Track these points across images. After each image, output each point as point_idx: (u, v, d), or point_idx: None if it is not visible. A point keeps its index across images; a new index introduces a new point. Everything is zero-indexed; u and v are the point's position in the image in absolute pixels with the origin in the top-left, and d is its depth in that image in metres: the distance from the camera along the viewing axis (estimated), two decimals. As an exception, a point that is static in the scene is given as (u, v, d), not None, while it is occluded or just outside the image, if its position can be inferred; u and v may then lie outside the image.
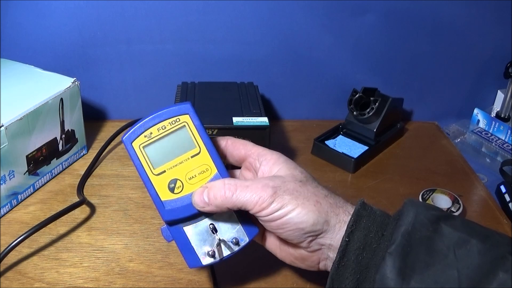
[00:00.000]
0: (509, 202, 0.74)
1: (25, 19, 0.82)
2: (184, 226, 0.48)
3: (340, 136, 0.86)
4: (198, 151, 0.48)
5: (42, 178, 0.72)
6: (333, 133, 0.86)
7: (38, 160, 0.70)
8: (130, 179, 0.75)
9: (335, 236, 0.45)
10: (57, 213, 0.62)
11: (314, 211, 0.44)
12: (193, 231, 0.48)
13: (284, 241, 0.48)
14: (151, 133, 0.48)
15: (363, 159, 0.80)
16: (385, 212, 0.46)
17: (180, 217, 0.47)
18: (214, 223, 0.48)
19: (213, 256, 0.48)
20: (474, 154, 0.89)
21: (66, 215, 0.64)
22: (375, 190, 0.75)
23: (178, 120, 0.49)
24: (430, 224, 0.42)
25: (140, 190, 0.73)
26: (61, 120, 0.73)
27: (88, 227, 0.65)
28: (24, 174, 0.68)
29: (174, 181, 0.47)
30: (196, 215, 0.48)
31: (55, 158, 0.74)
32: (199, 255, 0.48)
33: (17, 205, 0.69)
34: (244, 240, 0.49)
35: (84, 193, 0.70)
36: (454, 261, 0.40)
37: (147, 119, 0.48)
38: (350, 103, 0.82)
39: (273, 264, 0.57)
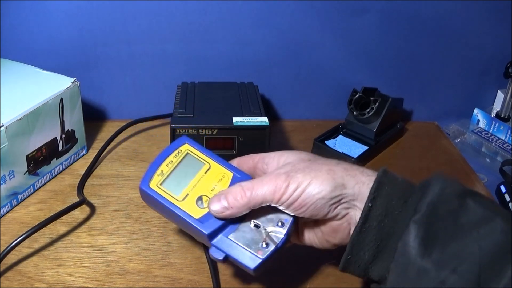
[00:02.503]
0: (509, 202, 0.74)
1: (25, 19, 0.82)
2: (229, 235, 0.48)
3: (340, 136, 0.86)
4: (209, 166, 0.52)
5: (42, 178, 0.72)
6: (333, 133, 0.86)
7: (38, 160, 0.70)
8: (130, 179, 0.75)
9: (357, 197, 0.45)
10: (57, 213, 0.62)
11: (328, 178, 0.45)
12: (238, 235, 0.48)
13: (316, 223, 0.49)
14: (162, 171, 0.51)
15: (363, 159, 0.80)
16: (408, 180, 0.46)
17: (219, 225, 0.48)
18: (254, 220, 0.49)
19: (267, 245, 0.47)
20: (474, 154, 0.89)
21: (66, 215, 0.64)
22: (375, 190, 0.75)
23: (180, 151, 0.53)
24: (456, 198, 0.42)
25: (140, 190, 0.73)
26: (61, 120, 0.73)
27: (88, 227, 0.65)
28: (24, 174, 0.68)
29: (200, 198, 0.50)
30: (233, 219, 0.49)
31: (55, 158, 0.74)
32: (254, 253, 0.47)
33: (17, 205, 0.69)
34: (288, 219, 0.49)
35: (84, 193, 0.70)
36: (477, 237, 0.40)
37: (153, 162, 0.52)
38: (350, 103, 0.82)
39: (273, 265, 0.57)
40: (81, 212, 0.68)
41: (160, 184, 0.50)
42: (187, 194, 0.50)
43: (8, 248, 0.56)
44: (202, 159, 0.52)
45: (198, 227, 0.48)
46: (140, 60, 0.87)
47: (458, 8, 0.86)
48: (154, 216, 0.68)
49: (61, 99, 0.72)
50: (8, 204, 0.67)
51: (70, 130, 0.76)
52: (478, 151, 0.89)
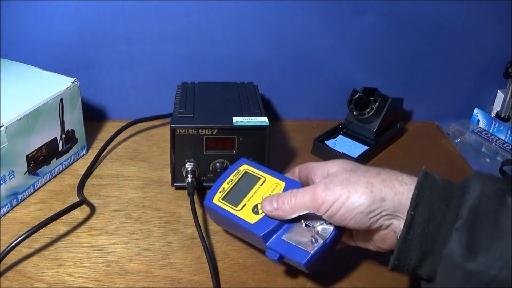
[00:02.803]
0: (509, 202, 0.74)
1: (25, 19, 0.82)
2: (282, 236, 0.52)
3: (340, 136, 0.86)
4: (264, 179, 0.58)
5: (42, 178, 0.72)
6: (333, 133, 0.86)
7: (38, 160, 0.70)
8: (130, 179, 0.75)
9: (398, 208, 0.46)
10: (57, 213, 0.62)
11: (366, 192, 0.46)
12: (291, 235, 0.52)
13: (366, 232, 0.50)
14: (223, 188, 0.59)
15: (363, 159, 0.80)
16: (447, 180, 0.47)
17: (271, 227, 0.53)
18: (304, 221, 0.52)
19: (316, 240, 0.51)
20: (474, 154, 0.89)
21: (66, 215, 0.64)
22: (375, 190, 0.75)
23: (239, 171, 0.60)
24: (496, 197, 0.42)
25: (140, 190, 0.73)
26: (61, 120, 0.73)
27: (88, 227, 0.65)
28: (24, 174, 0.68)
29: (255, 206, 0.55)
30: (285, 221, 0.53)
31: (55, 158, 0.74)
32: (305, 248, 0.50)
33: (17, 205, 0.69)
34: None
35: (84, 193, 0.70)
36: None
37: (216, 181, 0.60)
38: (350, 103, 0.82)
39: (273, 265, 0.57)
40: (81, 212, 0.68)
41: (222, 199, 0.57)
42: (245, 205, 0.56)
43: (8, 248, 0.56)
44: (258, 174, 0.59)
45: (253, 231, 0.53)
46: (140, 60, 0.87)
47: (458, 8, 0.86)
48: (154, 216, 0.68)
49: (61, 99, 0.72)
50: (8, 204, 0.67)
51: (70, 130, 0.76)
52: (478, 151, 0.89)
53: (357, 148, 0.82)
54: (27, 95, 0.69)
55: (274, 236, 0.53)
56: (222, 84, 0.83)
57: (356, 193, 0.46)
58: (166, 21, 0.84)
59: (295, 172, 0.59)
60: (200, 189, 0.72)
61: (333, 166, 0.52)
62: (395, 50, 0.90)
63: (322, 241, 0.50)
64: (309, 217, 0.52)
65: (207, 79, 0.85)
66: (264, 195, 0.56)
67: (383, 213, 0.46)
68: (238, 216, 0.55)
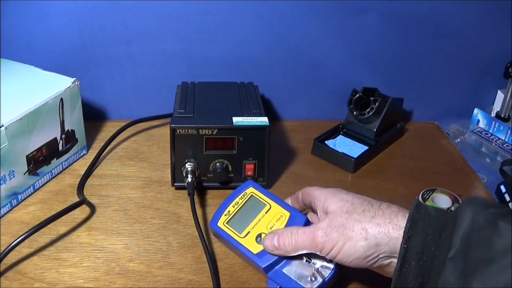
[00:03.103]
0: (509, 202, 0.74)
1: (25, 19, 0.82)
2: (283, 269, 0.54)
3: (340, 136, 0.86)
4: (269, 207, 0.59)
5: (42, 178, 0.72)
6: (333, 133, 0.86)
7: (38, 160, 0.70)
8: (130, 179, 0.75)
9: (394, 251, 0.47)
10: (57, 213, 0.62)
11: (361, 239, 0.47)
12: (291, 269, 0.54)
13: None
14: (229, 211, 0.59)
15: (363, 159, 0.80)
16: (439, 209, 0.47)
17: (273, 259, 0.54)
18: (305, 257, 0.54)
19: (315, 278, 0.53)
20: (474, 154, 0.89)
21: (66, 215, 0.64)
22: (375, 190, 0.75)
23: (245, 194, 0.61)
24: (488, 224, 0.42)
25: (140, 190, 0.73)
26: (61, 120, 0.73)
27: (88, 227, 0.65)
28: (24, 174, 0.68)
29: (259, 235, 0.56)
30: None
31: (55, 158, 0.74)
32: (304, 285, 0.52)
33: (17, 205, 0.69)
34: None
35: (84, 193, 0.70)
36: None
37: (222, 202, 0.61)
38: (350, 103, 0.82)
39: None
40: (81, 212, 0.68)
41: (226, 223, 0.58)
42: (249, 232, 0.57)
43: (8, 248, 0.56)
44: (264, 200, 0.60)
45: (255, 261, 0.54)
46: (140, 60, 0.87)
47: (458, 8, 0.86)
48: (154, 216, 0.68)
49: (61, 99, 0.72)
50: (8, 204, 0.67)
51: (70, 130, 0.76)
52: (478, 151, 0.89)
53: (357, 148, 0.82)
54: (27, 95, 0.69)
55: (275, 268, 0.54)
56: (222, 84, 0.83)
57: (351, 240, 0.48)
58: (166, 21, 0.84)
59: (298, 197, 0.59)
60: (200, 189, 0.72)
61: (331, 203, 0.52)
62: (395, 50, 0.90)
63: (321, 280, 0.52)
64: (311, 253, 0.53)
65: (207, 79, 0.85)
66: (268, 225, 0.57)
67: (380, 256, 0.47)
68: (241, 244, 0.56)
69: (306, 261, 0.54)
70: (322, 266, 0.53)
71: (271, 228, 0.56)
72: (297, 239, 0.51)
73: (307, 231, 0.51)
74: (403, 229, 0.46)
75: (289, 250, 0.52)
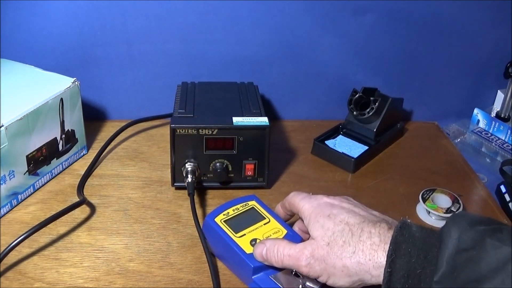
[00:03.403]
0: (509, 202, 0.74)
1: (25, 19, 0.82)
2: (270, 275, 0.54)
3: (340, 136, 0.86)
4: (268, 220, 0.60)
5: (42, 178, 0.72)
6: (333, 133, 0.86)
7: (38, 160, 0.70)
8: (130, 179, 0.75)
9: (379, 278, 0.45)
10: (57, 213, 0.62)
11: (343, 276, 0.47)
12: (279, 277, 0.54)
13: None
14: (228, 212, 0.60)
15: (363, 159, 0.80)
16: (425, 229, 0.46)
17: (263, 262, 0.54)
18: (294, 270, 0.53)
19: None
20: (474, 154, 0.89)
21: (66, 215, 0.64)
22: (375, 190, 0.75)
23: (247, 204, 0.62)
24: (474, 243, 0.40)
25: (140, 190, 0.73)
26: (61, 120, 0.73)
27: (88, 227, 0.65)
28: (24, 174, 0.68)
29: (254, 239, 0.57)
30: None
31: (55, 158, 0.74)
32: None
33: (17, 205, 0.69)
34: None
35: (84, 193, 0.70)
36: (504, 277, 0.38)
37: (222, 204, 0.61)
38: (350, 103, 0.82)
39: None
40: (81, 212, 0.67)
41: (224, 221, 0.58)
42: (244, 234, 0.57)
43: (8, 248, 0.56)
44: (264, 214, 0.60)
45: (246, 260, 0.54)
46: (140, 60, 0.87)
47: (458, 8, 0.86)
48: (154, 216, 0.68)
49: (61, 99, 0.72)
50: (8, 204, 0.67)
51: (70, 130, 0.76)
52: (478, 151, 0.89)
53: (357, 148, 0.82)
54: (27, 95, 0.69)
55: (262, 273, 0.54)
56: (222, 84, 0.83)
57: (334, 276, 0.48)
58: (166, 21, 0.84)
59: (285, 205, 0.59)
60: (200, 189, 0.72)
61: (313, 229, 0.51)
62: (395, 50, 0.90)
63: None
64: None
65: (207, 79, 0.85)
66: (265, 234, 0.57)
67: (367, 283, 0.47)
68: (235, 242, 0.56)
69: (295, 274, 0.53)
70: (309, 284, 0.52)
71: (267, 237, 0.56)
72: (283, 259, 0.51)
73: (292, 253, 0.50)
74: (381, 267, 0.45)
75: (275, 263, 0.52)
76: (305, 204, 0.54)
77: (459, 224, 0.42)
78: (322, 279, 0.49)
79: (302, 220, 0.55)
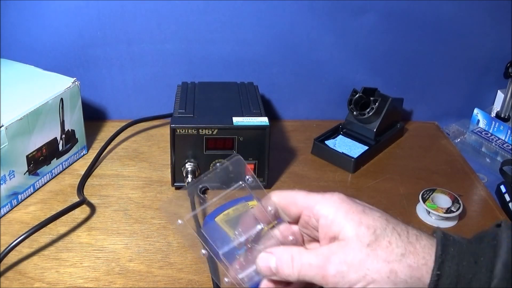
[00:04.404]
0: (509, 202, 0.74)
1: (25, 19, 0.82)
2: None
3: (340, 136, 0.86)
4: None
5: (42, 178, 0.72)
6: (333, 133, 0.86)
7: (38, 160, 0.70)
8: (130, 179, 0.75)
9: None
10: (57, 213, 0.63)
11: (388, 283, 0.38)
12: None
13: None
14: (228, 212, 0.60)
15: (363, 159, 0.80)
16: (465, 237, 0.41)
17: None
18: None
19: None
20: (474, 154, 0.89)
21: (66, 215, 0.64)
22: (375, 190, 0.75)
23: (247, 204, 0.56)
24: None
25: (140, 190, 0.73)
26: (61, 120, 0.73)
27: (88, 227, 0.65)
28: (24, 174, 0.68)
29: None
30: None
31: (55, 158, 0.74)
32: None
33: (17, 205, 0.69)
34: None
35: (84, 193, 0.70)
36: None
37: (223, 204, 0.60)
38: (350, 103, 0.82)
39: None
40: (81, 212, 0.68)
41: (225, 221, 0.59)
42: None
43: (8, 248, 0.56)
44: None
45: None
46: (140, 60, 0.87)
47: (458, 8, 0.86)
48: (154, 216, 0.68)
49: (61, 99, 0.72)
50: (8, 204, 0.67)
51: (70, 130, 0.76)
52: (478, 151, 0.89)
53: (357, 148, 0.82)
54: (27, 95, 0.69)
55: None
56: (222, 84, 0.83)
57: (375, 284, 0.38)
58: (166, 21, 0.84)
59: (267, 206, 0.46)
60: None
61: (346, 228, 0.40)
62: (395, 50, 0.90)
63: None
64: None
65: (207, 79, 0.85)
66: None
67: None
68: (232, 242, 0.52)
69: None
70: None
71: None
72: (301, 270, 0.40)
73: (314, 261, 0.40)
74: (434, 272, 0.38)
75: (290, 279, 0.41)
76: (321, 200, 0.42)
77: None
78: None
79: (295, 223, 0.45)
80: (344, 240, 0.40)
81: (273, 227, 0.47)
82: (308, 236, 0.46)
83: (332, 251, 0.40)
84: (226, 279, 0.46)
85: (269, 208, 0.46)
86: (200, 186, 0.48)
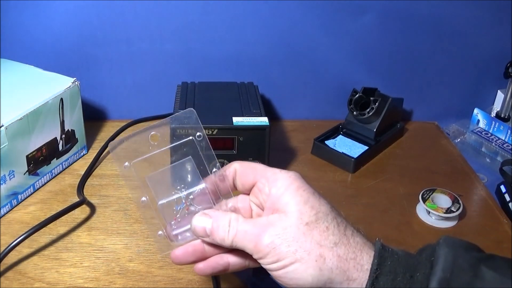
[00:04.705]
0: (509, 202, 0.74)
1: (25, 19, 0.82)
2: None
3: (340, 136, 0.86)
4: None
5: (42, 178, 0.72)
6: (333, 133, 0.86)
7: (38, 160, 0.70)
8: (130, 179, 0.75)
9: (353, 284, 0.39)
10: (57, 213, 0.63)
11: (315, 267, 0.38)
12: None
13: None
14: None
15: (363, 159, 0.80)
16: (406, 251, 0.41)
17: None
18: None
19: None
20: (474, 154, 0.89)
21: (66, 215, 0.64)
22: (375, 190, 0.75)
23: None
24: (470, 268, 0.38)
25: (140, 190, 0.73)
26: (61, 120, 0.73)
27: (88, 227, 0.65)
28: (24, 174, 0.68)
29: None
30: None
31: (55, 158, 0.74)
32: None
33: (17, 205, 0.69)
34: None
35: (84, 193, 0.70)
36: None
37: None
38: (350, 103, 0.82)
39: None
40: (81, 212, 0.68)
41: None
42: None
43: (8, 248, 0.56)
44: None
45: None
46: (140, 60, 0.87)
47: (458, 8, 0.86)
48: (154, 216, 0.68)
49: (61, 99, 0.72)
50: (8, 204, 0.67)
51: (70, 130, 0.76)
52: (478, 151, 0.89)
53: (357, 148, 0.82)
54: (27, 95, 0.69)
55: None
56: (222, 84, 0.83)
57: (302, 263, 0.38)
58: (166, 21, 0.84)
59: (226, 175, 0.46)
60: (200, 189, 0.72)
61: (291, 202, 0.41)
62: (395, 50, 0.90)
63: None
64: None
65: (207, 79, 0.85)
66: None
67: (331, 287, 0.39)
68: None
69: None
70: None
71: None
72: (236, 235, 0.40)
73: (250, 229, 0.40)
74: (365, 272, 0.39)
75: (219, 243, 0.42)
76: (277, 174, 0.43)
77: (454, 247, 0.39)
78: (279, 265, 0.39)
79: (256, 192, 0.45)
80: (285, 213, 0.40)
81: (216, 191, 0.47)
82: (256, 208, 0.46)
83: (270, 222, 0.40)
84: (159, 232, 0.47)
85: (214, 169, 0.47)
86: (153, 132, 0.50)
